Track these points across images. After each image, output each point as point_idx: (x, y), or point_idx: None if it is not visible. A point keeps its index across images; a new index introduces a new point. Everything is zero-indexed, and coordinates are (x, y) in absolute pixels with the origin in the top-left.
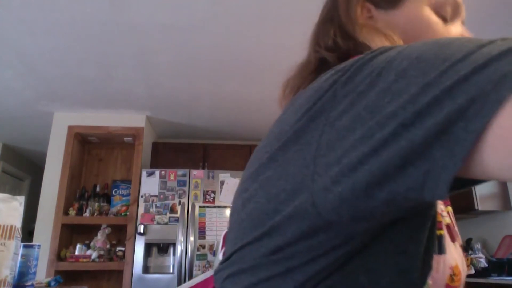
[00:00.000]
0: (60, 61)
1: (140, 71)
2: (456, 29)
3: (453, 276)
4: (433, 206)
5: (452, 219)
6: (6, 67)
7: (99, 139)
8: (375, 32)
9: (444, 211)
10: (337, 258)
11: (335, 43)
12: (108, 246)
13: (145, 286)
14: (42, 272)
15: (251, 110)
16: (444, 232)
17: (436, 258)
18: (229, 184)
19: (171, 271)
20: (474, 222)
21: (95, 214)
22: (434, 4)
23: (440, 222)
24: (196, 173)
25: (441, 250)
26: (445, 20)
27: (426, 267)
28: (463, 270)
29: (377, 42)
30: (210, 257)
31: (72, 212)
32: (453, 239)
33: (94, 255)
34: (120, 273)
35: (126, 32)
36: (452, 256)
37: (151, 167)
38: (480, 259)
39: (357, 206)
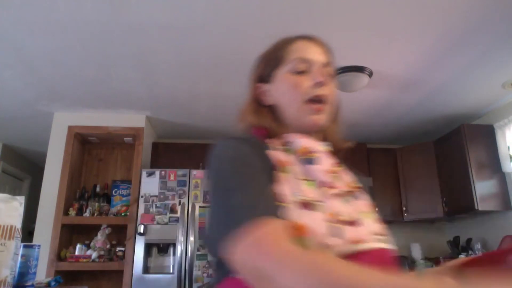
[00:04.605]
0: (60, 61)
1: (140, 71)
2: (306, 79)
3: (297, 228)
4: None
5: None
6: (6, 67)
7: (99, 139)
8: None
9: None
10: None
11: None
12: (108, 246)
13: (145, 286)
14: (42, 272)
15: None
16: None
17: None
18: None
19: (171, 271)
20: (474, 222)
21: (95, 214)
22: (291, 68)
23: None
24: (196, 173)
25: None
26: (302, 72)
27: None
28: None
29: None
30: (210, 257)
31: (72, 212)
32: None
33: (94, 255)
34: (120, 273)
35: (126, 32)
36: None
37: (151, 167)
38: None
39: None
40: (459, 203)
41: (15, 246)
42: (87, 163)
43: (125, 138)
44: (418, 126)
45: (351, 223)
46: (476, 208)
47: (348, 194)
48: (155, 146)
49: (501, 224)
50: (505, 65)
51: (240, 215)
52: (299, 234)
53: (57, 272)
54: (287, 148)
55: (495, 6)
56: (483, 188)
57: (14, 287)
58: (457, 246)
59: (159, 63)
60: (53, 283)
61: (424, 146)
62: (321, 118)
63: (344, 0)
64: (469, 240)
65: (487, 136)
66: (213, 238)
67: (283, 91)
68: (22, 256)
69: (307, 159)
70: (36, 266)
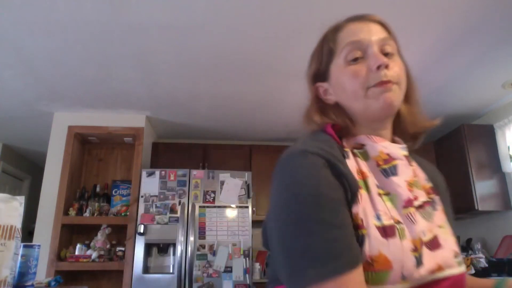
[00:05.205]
0: (60, 61)
1: (140, 71)
2: (364, 65)
3: (379, 262)
4: None
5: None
6: (5, 67)
7: (99, 139)
8: None
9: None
10: None
11: None
12: (108, 246)
13: (145, 286)
14: (42, 272)
15: (251, 110)
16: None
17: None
18: (229, 184)
19: (171, 271)
20: (474, 222)
21: (95, 214)
22: (344, 59)
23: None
24: (196, 173)
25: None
26: (356, 59)
27: None
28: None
29: None
30: (210, 257)
31: (72, 212)
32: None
33: (94, 255)
34: (120, 273)
35: (126, 32)
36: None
37: (151, 167)
38: (480, 259)
39: None
40: (459, 203)
41: (15, 246)
42: (87, 163)
43: (125, 138)
44: None
45: (433, 244)
46: (476, 208)
47: (427, 205)
48: (155, 146)
49: (501, 224)
50: (505, 65)
51: (319, 267)
52: (381, 268)
53: (57, 272)
54: (361, 152)
55: (495, 6)
56: (483, 188)
57: (14, 287)
58: None
59: (159, 63)
60: (53, 283)
61: (424, 146)
62: (393, 96)
63: (344, 0)
64: (469, 240)
65: (487, 136)
66: (281, 269)
67: (342, 87)
68: (22, 256)
69: (387, 169)
70: (36, 266)
